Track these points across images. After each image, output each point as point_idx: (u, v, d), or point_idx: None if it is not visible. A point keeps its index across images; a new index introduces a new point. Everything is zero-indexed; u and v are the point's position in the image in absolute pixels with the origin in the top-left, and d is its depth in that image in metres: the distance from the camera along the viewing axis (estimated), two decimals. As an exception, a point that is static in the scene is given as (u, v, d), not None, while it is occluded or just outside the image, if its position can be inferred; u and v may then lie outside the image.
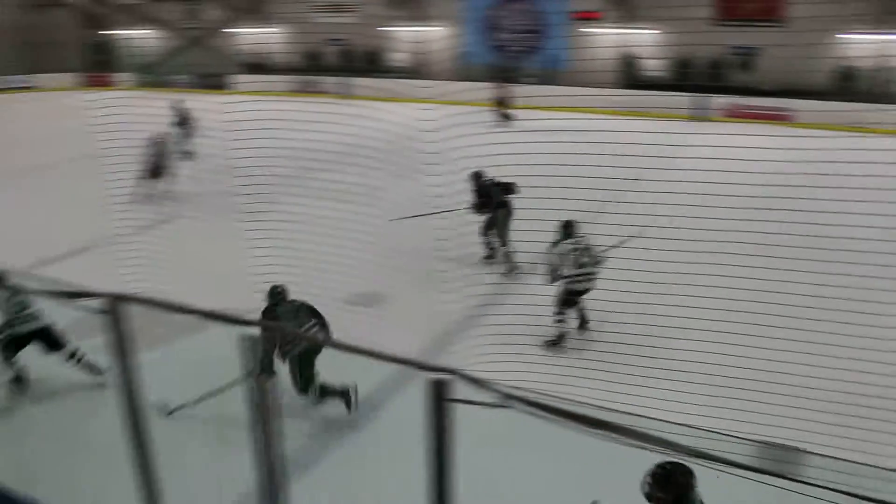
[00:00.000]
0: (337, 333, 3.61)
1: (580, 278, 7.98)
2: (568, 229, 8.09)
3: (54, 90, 27.09)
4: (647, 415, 3.21)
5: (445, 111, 3.96)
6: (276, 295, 6.44)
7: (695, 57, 26.33)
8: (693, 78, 26.11)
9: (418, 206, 4.02)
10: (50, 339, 6.96)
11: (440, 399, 3.20)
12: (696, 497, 3.88)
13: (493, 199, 9.70)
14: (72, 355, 7.14)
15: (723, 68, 26.41)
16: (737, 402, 5.32)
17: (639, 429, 2.74)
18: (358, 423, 7.43)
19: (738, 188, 9.25)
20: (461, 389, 3.19)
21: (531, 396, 2.99)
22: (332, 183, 5.65)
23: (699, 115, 23.78)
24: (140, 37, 39.76)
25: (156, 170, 13.15)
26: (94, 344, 8.74)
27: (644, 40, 27.68)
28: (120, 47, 40.40)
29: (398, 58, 31.88)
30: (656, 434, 2.73)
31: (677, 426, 3.07)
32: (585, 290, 8.08)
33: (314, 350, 5.69)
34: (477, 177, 9.84)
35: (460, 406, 3.23)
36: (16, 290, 6.63)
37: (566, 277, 7.86)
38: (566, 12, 27.84)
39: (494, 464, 6.41)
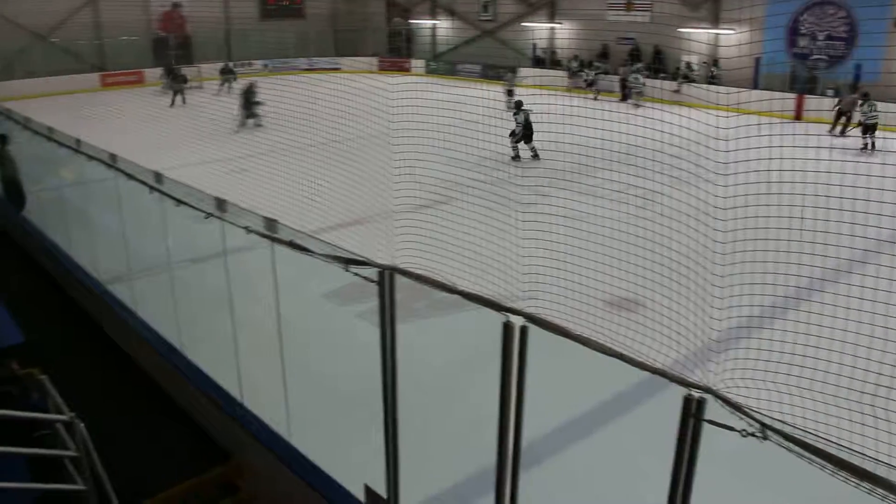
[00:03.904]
0: (595, 335, 3.60)
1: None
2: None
3: (356, 72, 29.47)
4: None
5: (738, 121, 3.76)
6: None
7: None
8: None
9: (700, 215, 3.89)
10: None
11: (693, 417, 3.11)
12: None
13: None
14: None
15: None
16: None
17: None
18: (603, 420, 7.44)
19: None
20: (715, 410, 3.07)
21: (793, 431, 2.80)
22: (607, 182, 5.63)
23: None
24: (437, 26, 42.01)
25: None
26: (362, 308, 9.55)
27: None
28: (418, 35, 42.99)
29: (691, 61, 30.65)
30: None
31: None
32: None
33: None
34: None
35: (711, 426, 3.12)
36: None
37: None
38: (886, 18, 25.12)
39: (733, 492, 6.09)
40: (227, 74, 34.30)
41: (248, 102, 24.00)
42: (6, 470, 5.22)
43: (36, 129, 11.64)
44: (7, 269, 11.38)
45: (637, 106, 27.05)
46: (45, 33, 35.66)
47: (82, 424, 5.13)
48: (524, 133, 19.33)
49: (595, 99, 28.86)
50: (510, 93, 28.09)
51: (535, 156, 19.32)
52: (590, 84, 30.91)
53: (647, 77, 29.56)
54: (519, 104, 19.50)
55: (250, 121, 23.71)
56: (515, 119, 19.46)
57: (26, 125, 12.17)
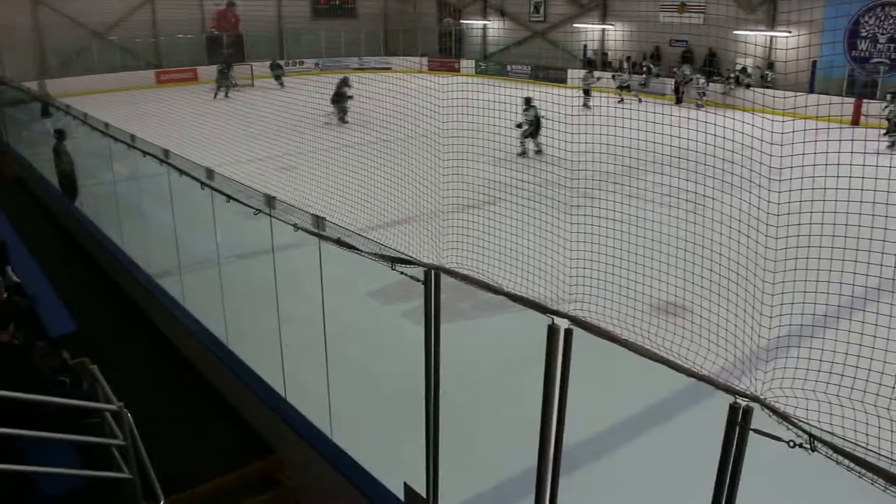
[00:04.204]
0: (640, 339, 3.56)
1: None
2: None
3: (406, 72, 29.62)
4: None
5: (794, 125, 3.68)
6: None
7: None
8: None
9: (752, 221, 3.82)
10: None
11: (738, 425, 3.05)
12: None
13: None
14: None
15: None
16: None
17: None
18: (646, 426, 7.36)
19: None
20: (762, 419, 3.01)
21: (844, 444, 2.73)
22: (656, 186, 5.56)
23: None
24: (487, 27, 41.98)
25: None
26: (407, 308, 9.58)
27: None
28: (467, 36, 43.02)
29: (746, 65, 30.03)
30: None
31: None
32: None
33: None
34: None
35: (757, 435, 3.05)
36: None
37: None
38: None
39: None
40: (277, 70, 34.88)
41: (341, 96, 24.08)
42: (57, 456, 5.35)
43: (93, 125, 11.92)
44: (61, 260, 11.65)
45: (699, 107, 26.48)
46: (103, 31, 36.51)
47: (129, 414, 5.23)
48: (532, 129, 19.69)
49: (620, 101, 28.60)
50: (587, 93, 28.12)
51: (539, 151, 19.55)
52: (623, 87, 30.56)
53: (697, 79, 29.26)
54: (528, 100, 19.62)
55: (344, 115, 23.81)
56: (525, 115, 19.62)
57: (84, 121, 12.47)
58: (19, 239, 10.70)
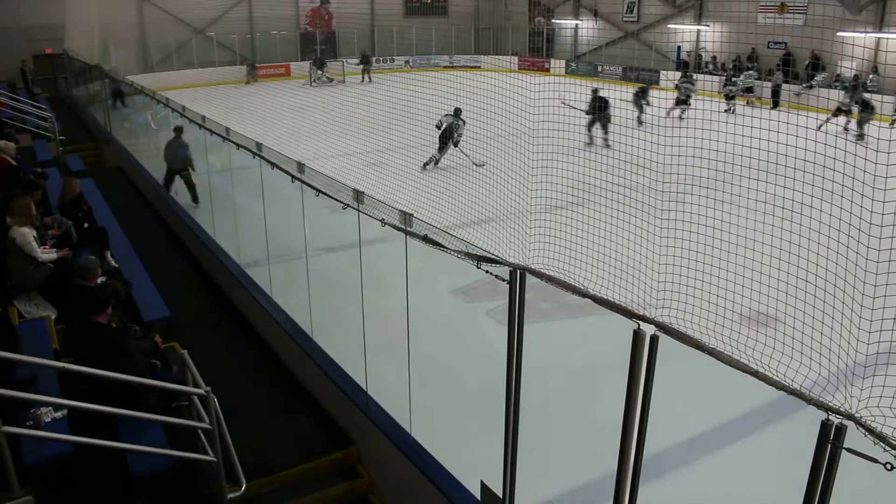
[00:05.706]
0: (728, 349, 3.46)
1: None
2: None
3: (496, 70, 29.55)
4: None
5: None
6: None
7: None
8: None
9: (851, 230, 3.66)
10: None
11: (831, 444, 2.94)
12: None
13: None
14: None
15: None
16: None
17: None
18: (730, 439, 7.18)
19: None
20: (856, 438, 2.89)
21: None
22: (749, 191, 5.40)
23: None
24: (579, 27, 41.55)
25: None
26: (490, 306, 9.58)
27: None
28: (558, 35, 42.69)
29: (850, 67, 28.63)
30: None
31: None
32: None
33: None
34: None
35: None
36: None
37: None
38: None
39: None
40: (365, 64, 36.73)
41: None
42: (147, 436, 5.56)
43: (190, 118, 12.32)
44: (156, 247, 12.06)
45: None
46: (202, 27, 37.74)
47: (216, 399, 5.39)
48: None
49: (729, 111, 27.24)
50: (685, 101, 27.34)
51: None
52: (731, 96, 29.54)
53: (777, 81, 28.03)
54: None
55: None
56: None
57: (182, 113, 12.90)
58: (118, 226, 11.13)
